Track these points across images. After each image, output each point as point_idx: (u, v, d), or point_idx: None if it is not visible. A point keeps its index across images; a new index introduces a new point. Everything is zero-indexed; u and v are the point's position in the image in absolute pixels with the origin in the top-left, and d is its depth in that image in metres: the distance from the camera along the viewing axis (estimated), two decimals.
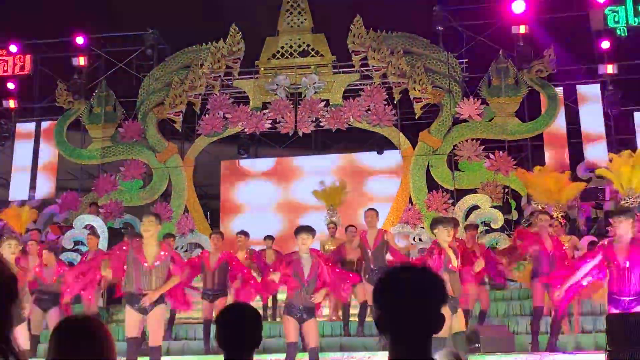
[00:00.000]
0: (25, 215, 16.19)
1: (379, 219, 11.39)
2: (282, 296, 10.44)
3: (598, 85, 18.29)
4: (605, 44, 17.96)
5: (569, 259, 9.85)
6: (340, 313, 12.12)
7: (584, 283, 8.14)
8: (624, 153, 13.91)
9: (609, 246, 7.77)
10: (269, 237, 13.63)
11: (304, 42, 18.96)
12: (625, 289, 7.53)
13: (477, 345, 9.34)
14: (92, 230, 14.86)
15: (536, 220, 11.63)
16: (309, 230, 8.52)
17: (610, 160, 14.31)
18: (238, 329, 3.30)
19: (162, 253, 8.15)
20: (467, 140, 17.56)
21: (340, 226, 14.41)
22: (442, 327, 2.48)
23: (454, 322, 7.83)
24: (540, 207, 14.43)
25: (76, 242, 15.44)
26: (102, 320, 2.77)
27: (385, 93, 18.11)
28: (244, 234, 12.58)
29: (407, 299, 2.45)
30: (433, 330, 2.48)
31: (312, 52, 18.86)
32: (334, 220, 14.82)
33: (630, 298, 7.48)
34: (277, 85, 18.38)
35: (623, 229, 7.63)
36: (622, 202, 13.31)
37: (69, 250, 15.26)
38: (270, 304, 12.82)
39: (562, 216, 13.29)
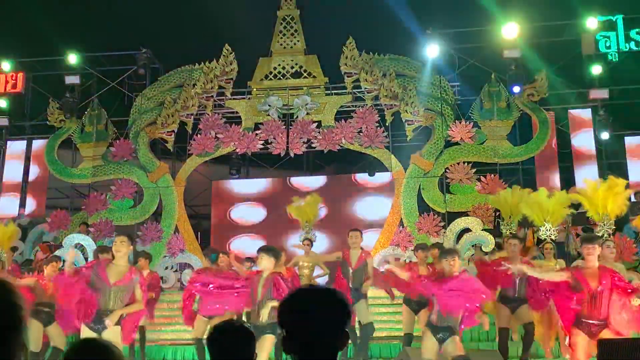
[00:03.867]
0: (10, 232, 16.04)
1: (363, 240, 11.42)
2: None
3: (589, 110, 18.39)
4: (597, 69, 18.08)
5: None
6: None
7: None
8: (598, 180, 13.90)
9: (578, 271, 7.93)
10: (249, 259, 13.62)
11: (296, 64, 18.99)
12: (595, 314, 7.71)
13: None
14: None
15: (507, 245, 11.67)
16: (265, 250, 8.74)
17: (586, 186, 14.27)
18: (229, 347, 3.27)
19: (129, 275, 8.18)
20: (458, 163, 17.58)
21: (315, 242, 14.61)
22: (346, 345, 2.55)
23: (446, 348, 7.89)
24: (510, 231, 14.39)
25: (64, 261, 15.32)
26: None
27: (377, 115, 18.13)
28: (225, 254, 12.56)
29: (311, 318, 2.49)
30: (338, 348, 2.55)
31: (305, 74, 18.89)
32: (308, 237, 14.77)
33: (598, 322, 7.65)
34: (269, 105, 18.39)
35: (595, 255, 7.91)
36: (598, 228, 13.31)
37: None
38: None
39: (551, 240, 13.22)
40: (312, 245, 13.90)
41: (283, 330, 2.57)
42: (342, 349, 2.55)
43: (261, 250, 8.81)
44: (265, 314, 8.33)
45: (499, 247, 14.79)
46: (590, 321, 7.74)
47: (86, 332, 8.01)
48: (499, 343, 10.23)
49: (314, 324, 2.50)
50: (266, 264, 8.57)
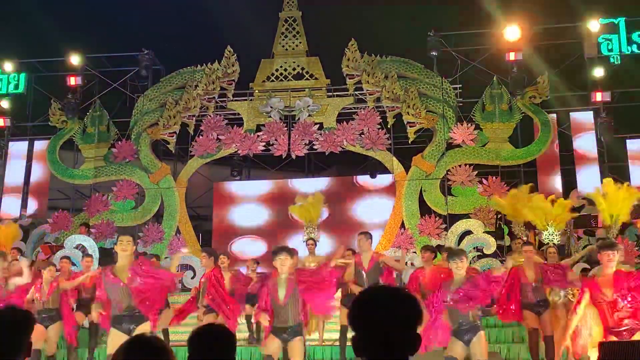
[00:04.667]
0: (12, 232, 16.06)
1: (372, 242, 11.38)
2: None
3: (591, 112, 18.37)
4: (599, 72, 18.06)
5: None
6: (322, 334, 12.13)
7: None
8: (618, 186, 13.88)
9: (592, 281, 7.81)
10: (254, 261, 13.59)
11: (298, 65, 19.00)
12: (618, 321, 7.55)
13: None
14: (84, 251, 14.82)
15: (518, 247, 11.71)
16: (287, 251, 8.53)
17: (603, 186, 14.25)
18: (209, 351, 3.24)
19: (134, 269, 8.14)
20: (460, 166, 17.57)
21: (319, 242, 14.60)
22: (418, 348, 2.47)
23: (473, 349, 7.83)
24: (523, 235, 14.36)
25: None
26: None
27: (379, 117, 18.13)
28: (225, 255, 12.53)
29: (381, 319, 2.44)
30: (409, 351, 2.47)
31: (307, 75, 18.90)
32: (312, 237, 14.72)
33: (624, 328, 7.50)
34: (271, 107, 18.39)
35: (614, 262, 7.70)
36: (602, 231, 13.30)
37: None
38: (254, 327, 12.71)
39: (554, 243, 13.19)
40: (316, 245, 13.86)
41: (354, 331, 2.54)
42: (414, 353, 2.48)
43: (281, 250, 8.53)
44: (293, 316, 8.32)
45: (499, 249, 14.84)
46: (618, 329, 7.59)
47: (115, 334, 8.00)
48: (530, 344, 10.25)
49: (384, 324, 2.45)
50: (290, 263, 8.47)
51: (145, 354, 2.77)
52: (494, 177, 17.36)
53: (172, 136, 18.76)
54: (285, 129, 18.33)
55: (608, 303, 7.54)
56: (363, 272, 10.74)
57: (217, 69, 18.81)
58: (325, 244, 17.40)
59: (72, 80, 19.36)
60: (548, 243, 12.80)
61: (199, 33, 21.17)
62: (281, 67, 19.06)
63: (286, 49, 19.16)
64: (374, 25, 20.28)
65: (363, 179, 18.85)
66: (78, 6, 20.48)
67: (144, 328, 8.03)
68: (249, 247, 18.30)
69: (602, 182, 14.98)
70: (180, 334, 13.27)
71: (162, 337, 11.79)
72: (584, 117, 18.43)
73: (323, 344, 12.26)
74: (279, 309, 8.29)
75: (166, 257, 17.39)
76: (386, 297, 2.52)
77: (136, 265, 8.22)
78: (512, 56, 17.91)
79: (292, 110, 18.51)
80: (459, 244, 15.73)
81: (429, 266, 10.80)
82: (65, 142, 19.42)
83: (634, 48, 18.02)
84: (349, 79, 18.53)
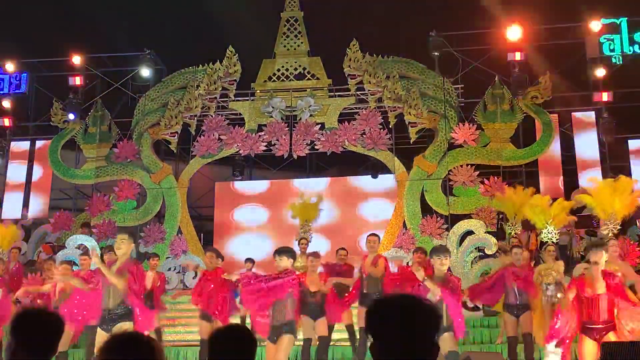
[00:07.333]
0: (11, 233, 16.04)
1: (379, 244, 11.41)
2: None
3: (593, 113, 18.38)
4: (601, 72, 18.06)
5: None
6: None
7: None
8: (607, 180, 13.90)
9: (580, 278, 8.02)
10: (249, 260, 13.58)
11: (300, 65, 18.99)
12: (596, 317, 7.76)
13: None
14: (84, 251, 14.81)
15: (507, 248, 11.75)
16: (280, 252, 8.61)
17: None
18: (230, 352, 3.24)
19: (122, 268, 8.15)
20: (461, 166, 17.55)
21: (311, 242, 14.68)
22: (436, 356, 2.45)
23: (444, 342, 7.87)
24: (514, 235, 14.37)
25: (68, 262, 15.31)
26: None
27: (380, 117, 18.11)
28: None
29: (399, 327, 2.42)
30: (426, 358, 2.43)
31: (308, 75, 18.89)
32: (305, 237, 14.74)
33: (601, 326, 7.68)
34: (272, 107, 18.39)
35: (598, 260, 7.89)
36: (603, 227, 13.27)
37: None
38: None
39: (553, 243, 13.17)
40: (308, 245, 13.85)
41: (370, 337, 2.53)
42: None
43: (280, 252, 8.65)
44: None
45: (503, 251, 14.81)
46: (593, 326, 7.77)
47: (101, 335, 8.00)
48: (509, 351, 10.27)
49: (403, 333, 2.45)
50: (286, 264, 8.53)
51: (130, 351, 2.73)
52: (496, 178, 17.33)
53: (174, 136, 18.77)
54: (287, 129, 18.33)
55: (587, 299, 7.73)
56: (363, 275, 10.73)
57: (219, 69, 18.80)
58: (326, 244, 17.39)
59: (74, 80, 19.39)
60: (547, 242, 12.79)
61: (200, 33, 21.16)
62: (283, 67, 19.05)
63: (288, 49, 19.16)
64: (376, 26, 20.25)
65: (364, 179, 18.83)
66: (80, 6, 20.45)
67: (126, 326, 8.01)
68: (251, 247, 18.27)
69: (591, 180, 14.96)
70: (175, 334, 13.37)
71: (154, 336, 11.84)
72: (585, 117, 18.43)
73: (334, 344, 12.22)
74: (276, 305, 8.37)
75: (167, 257, 17.42)
76: (405, 305, 2.51)
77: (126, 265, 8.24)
78: (513, 56, 17.90)
79: (294, 111, 18.51)
80: (460, 244, 15.76)
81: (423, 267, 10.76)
82: (66, 142, 19.43)
83: (636, 48, 18.01)
84: (351, 79, 18.52)
